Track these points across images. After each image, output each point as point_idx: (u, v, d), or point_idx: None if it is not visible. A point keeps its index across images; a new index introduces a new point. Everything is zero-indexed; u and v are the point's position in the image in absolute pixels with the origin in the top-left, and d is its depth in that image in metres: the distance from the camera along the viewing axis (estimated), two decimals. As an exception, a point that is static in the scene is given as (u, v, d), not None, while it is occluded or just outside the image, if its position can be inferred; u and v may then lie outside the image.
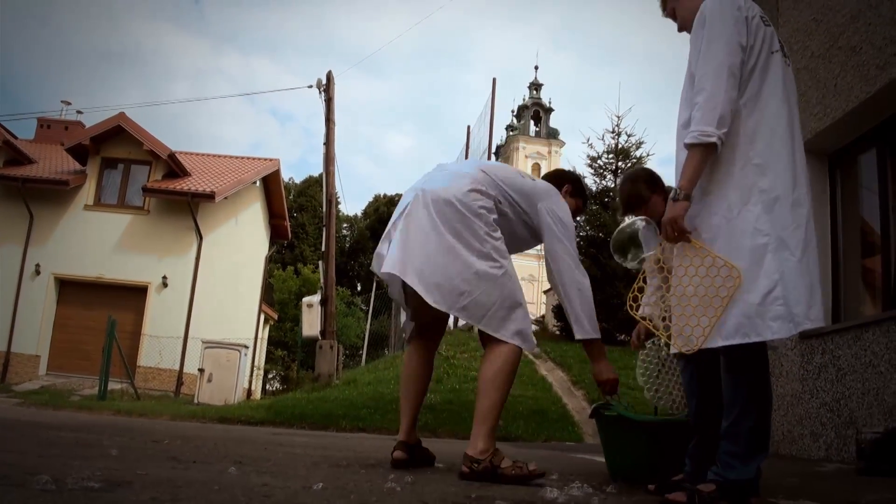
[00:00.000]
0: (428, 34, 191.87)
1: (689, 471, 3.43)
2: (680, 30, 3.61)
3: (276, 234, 33.94)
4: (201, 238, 24.86)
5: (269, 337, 39.66)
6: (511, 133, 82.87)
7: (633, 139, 24.30)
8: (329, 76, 21.94)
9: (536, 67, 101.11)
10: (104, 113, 58.28)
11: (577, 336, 4.14)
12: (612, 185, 23.73)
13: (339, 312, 37.43)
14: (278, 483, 2.98)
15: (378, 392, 14.60)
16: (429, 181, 4.10)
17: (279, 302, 46.27)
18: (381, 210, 68.68)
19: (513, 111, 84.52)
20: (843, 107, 7.11)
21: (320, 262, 21.63)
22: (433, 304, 3.82)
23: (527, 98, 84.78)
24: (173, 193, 24.67)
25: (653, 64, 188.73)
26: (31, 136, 31.39)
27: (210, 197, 24.36)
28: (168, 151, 25.26)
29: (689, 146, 3.06)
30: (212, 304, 25.41)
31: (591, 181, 24.07)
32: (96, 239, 24.55)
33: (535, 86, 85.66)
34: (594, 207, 23.18)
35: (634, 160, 23.66)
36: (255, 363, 30.25)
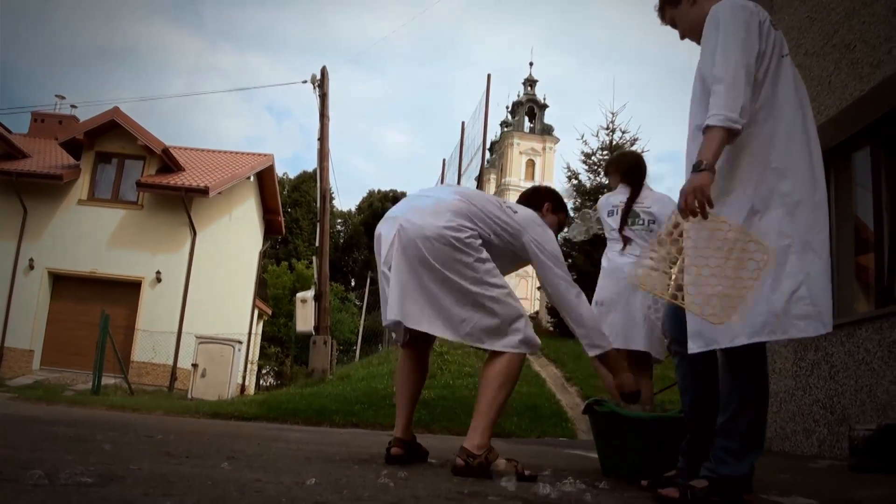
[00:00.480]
0: (423, 30, 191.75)
1: (683, 467, 3.43)
2: (682, 37, 3.60)
3: (270, 229, 33.89)
4: (195, 233, 24.82)
5: (263, 332, 39.67)
6: (506, 129, 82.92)
7: (627, 136, 24.34)
8: (323, 71, 21.93)
9: (531, 64, 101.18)
10: (98, 107, 58.36)
11: (591, 354, 4.13)
12: (607, 182, 23.71)
13: (333, 308, 37.41)
14: (271, 478, 2.98)
15: (372, 388, 14.58)
16: (410, 212, 4.09)
17: (273, 297, 46.29)
18: (376, 206, 68.67)
19: (507, 107, 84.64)
20: (837, 104, 7.12)
21: (314, 258, 21.65)
22: (440, 336, 3.94)
23: (521, 94, 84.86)
24: (167, 188, 24.61)
25: (647, 61, 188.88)
26: (25, 131, 31.28)
27: (204, 192, 24.32)
28: (162, 146, 25.20)
29: (712, 127, 3.00)
30: (206, 300, 25.38)
31: (585, 177, 24.12)
32: (90, 234, 24.49)
33: (530, 82, 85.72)
34: (588, 204, 23.16)
35: (629, 157, 23.65)
36: (249, 358, 30.25)
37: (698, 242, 3.11)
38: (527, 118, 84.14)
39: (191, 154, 28.74)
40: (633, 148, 23.43)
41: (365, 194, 78.43)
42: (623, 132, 24.19)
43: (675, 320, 3.46)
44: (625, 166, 6.19)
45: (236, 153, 30.87)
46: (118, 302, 23.57)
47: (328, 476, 3.19)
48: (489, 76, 23.97)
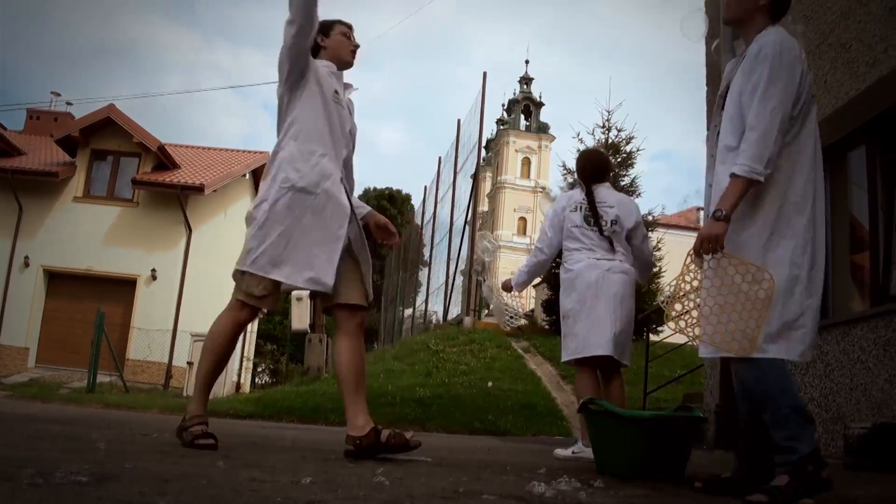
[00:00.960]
0: (418, 28, 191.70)
1: (737, 467, 3.52)
2: (727, 22, 3.67)
3: (265, 227, 33.79)
4: (190, 231, 24.83)
5: (259, 330, 39.56)
6: (501, 127, 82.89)
7: (623, 134, 24.25)
8: (319, 69, 21.89)
9: (527, 62, 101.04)
10: (94, 105, 58.19)
11: None
12: (602, 180, 23.72)
13: (329, 306, 37.29)
14: (266, 477, 2.98)
15: (367, 386, 14.55)
16: None
17: (269, 295, 46.16)
18: (371, 204, 68.21)
19: (503, 105, 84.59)
20: (832, 103, 7.12)
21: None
22: None
23: (517, 92, 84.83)
24: (163, 186, 24.63)
25: (644, 59, 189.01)
26: (21, 128, 31.23)
27: (199, 189, 24.33)
28: (158, 144, 25.20)
29: (737, 176, 3.20)
30: (201, 297, 25.34)
31: (581, 176, 24.06)
32: (85, 231, 24.49)
33: (526, 80, 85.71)
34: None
35: (625, 155, 23.64)
36: (245, 356, 30.21)
37: (714, 280, 3.27)
38: (523, 116, 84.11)
39: (186, 151, 28.72)
40: (629, 147, 23.40)
41: (360, 192, 78.36)
42: (619, 130, 24.14)
43: None
44: (579, 165, 6.31)
45: (232, 151, 30.85)
46: (113, 299, 23.57)
47: (323, 475, 3.19)
48: (485, 74, 23.99)
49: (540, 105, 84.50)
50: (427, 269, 31.06)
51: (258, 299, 4.26)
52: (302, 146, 4.26)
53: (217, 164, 27.71)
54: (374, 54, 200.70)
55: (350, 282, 4.30)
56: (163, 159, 25.41)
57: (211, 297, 26.36)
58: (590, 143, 23.65)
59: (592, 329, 5.59)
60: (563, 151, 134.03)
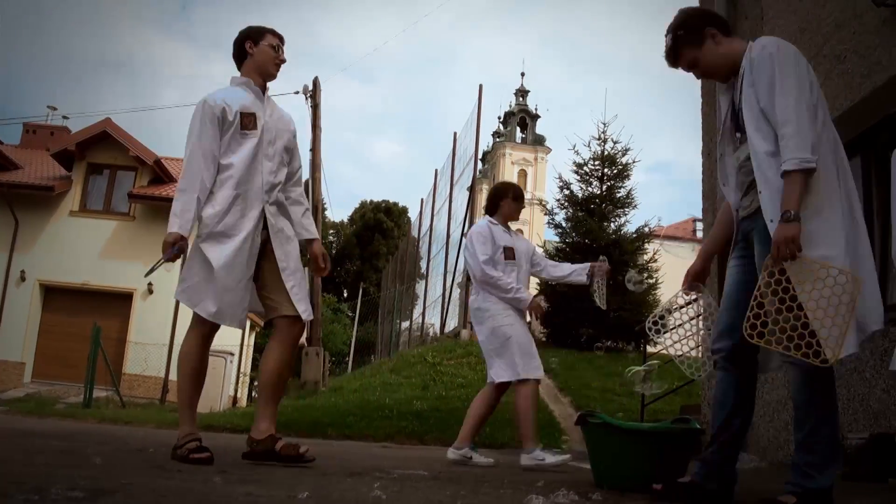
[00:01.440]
0: (415, 41, 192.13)
1: (701, 473, 3.51)
2: (705, 76, 3.71)
3: (262, 240, 33.82)
4: (187, 245, 24.75)
5: (256, 344, 39.51)
6: (497, 140, 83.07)
7: (619, 146, 24.28)
8: (315, 82, 21.96)
9: (523, 74, 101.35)
10: (90, 119, 58.26)
11: None
12: (598, 192, 23.74)
13: (325, 319, 37.42)
14: (263, 492, 2.97)
15: (364, 399, 14.55)
16: None
17: (265, 309, 46.13)
18: (368, 216, 68.48)
19: (499, 118, 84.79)
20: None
21: (306, 269, 21.61)
22: None
23: (513, 105, 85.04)
24: (159, 199, 24.58)
25: (638, 72, 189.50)
26: (17, 142, 31.24)
27: (196, 203, 24.26)
28: (154, 157, 25.20)
29: (791, 172, 3.19)
30: (197, 311, 25.28)
31: (577, 188, 24.09)
32: (82, 245, 24.45)
33: (522, 92, 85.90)
34: (580, 214, 23.18)
35: (620, 166, 23.66)
36: (241, 370, 30.17)
37: (796, 287, 3.19)
38: (518, 129, 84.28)
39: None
40: (625, 159, 23.44)
41: (357, 205, 78.30)
42: (615, 142, 24.18)
43: (728, 336, 3.56)
44: (487, 198, 6.67)
45: (228, 164, 30.82)
46: (110, 314, 23.53)
47: (321, 490, 3.18)
48: (481, 87, 24.04)
49: (536, 117, 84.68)
50: (424, 281, 31.04)
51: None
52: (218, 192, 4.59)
53: (213, 177, 27.67)
54: (370, 67, 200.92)
55: (285, 296, 4.64)
56: (159, 173, 25.40)
57: (207, 310, 26.35)
58: (586, 154, 23.71)
59: (532, 349, 6.32)
60: (559, 164, 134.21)
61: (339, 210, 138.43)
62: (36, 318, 24.36)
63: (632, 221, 27.08)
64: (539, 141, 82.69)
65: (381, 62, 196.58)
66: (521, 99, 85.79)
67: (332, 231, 71.81)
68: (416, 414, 12.11)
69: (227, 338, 26.59)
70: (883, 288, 6.84)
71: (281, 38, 4.85)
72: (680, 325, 4.21)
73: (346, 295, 62.12)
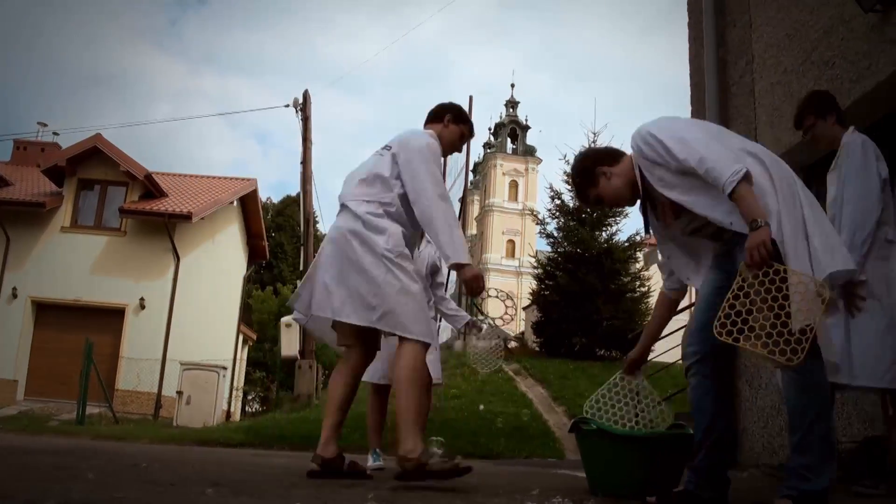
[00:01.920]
0: (405, 54, 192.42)
1: (694, 481, 3.54)
2: (613, 206, 4.04)
3: (254, 254, 33.84)
4: (179, 259, 24.76)
5: (249, 358, 39.49)
6: (488, 151, 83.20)
7: (609, 155, 24.34)
8: (305, 95, 21.95)
9: (513, 85, 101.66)
10: (81, 134, 58.12)
11: (450, 262, 4.33)
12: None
13: (319, 332, 37.21)
14: (256, 503, 2.96)
15: (357, 411, 14.43)
16: (332, 227, 4.65)
17: (258, 322, 46.09)
18: (360, 228, 68.43)
19: (490, 129, 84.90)
20: (816, 120, 7.14)
21: (299, 282, 21.58)
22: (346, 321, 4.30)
23: (503, 116, 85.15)
24: (150, 214, 24.57)
25: (627, 81, 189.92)
26: (7, 158, 31.24)
27: (187, 217, 24.27)
28: (145, 172, 25.16)
29: (733, 192, 3.31)
30: (190, 326, 25.27)
31: (568, 197, 24.11)
32: (73, 261, 24.39)
33: (512, 104, 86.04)
34: (572, 223, 23.20)
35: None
36: (235, 384, 30.10)
37: (766, 292, 3.27)
38: (509, 139, 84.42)
39: (174, 179, 28.69)
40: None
41: (350, 217, 78.17)
42: (605, 151, 24.20)
43: (700, 337, 3.62)
44: None
45: (219, 178, 30.85)
46: (102, 330, 23.42)
47: (314, 500, 3.17)
48: (471, 98, 24.09)
49: (526, 128, 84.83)
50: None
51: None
52: None
53: (204, 191, 27.68)
54: (360, 80, 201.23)
55: None
56: (150, 188, 25.36)
57: (199, 325, 26.33)
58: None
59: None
60: (549, 174, 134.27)
61: (330, 222, 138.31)
62: (28, 336, 24.26)
63: (623, 230, 27.09)
64: (530, 151, 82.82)
65: (371, 75, 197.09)
66: (511, 110, 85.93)
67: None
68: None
69: (221, 352, 26.57)
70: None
71: (472, 134, 5.17)
72: (619, 403, 4.35)
73: (338, 308, 61.93)
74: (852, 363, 4.48)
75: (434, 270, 6.33)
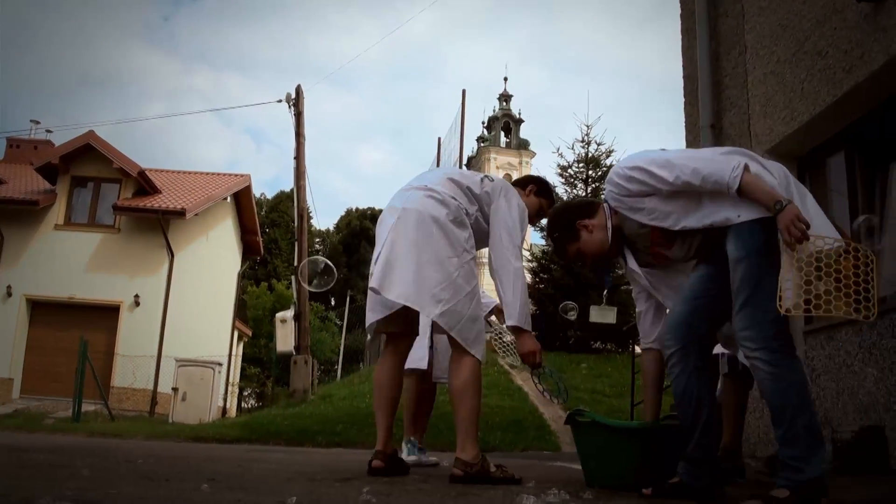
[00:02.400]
0: (398, 48, 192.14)
1: (686, 473, 3.55)
2: (595, 260, 3.93)
3: (248, 250, 33.82)
4: (173, 255, 24.73)
5: (244, 354, 39.47)
6: (482, 144, 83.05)
7: (602, 148, 24.41)
8: (298, 90, 21.94)
9: (506, 79, 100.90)
10: (74, 132, 57.98)
11: (508, 324, 4.30)
12: (583, 194, 23.78)
13: (314, 327, 37.34)
14: (251, 498, 2.95)
15: (354, 406, 14.54)
16: (408, 200, 4.36)
17: (253, 318, 46.11)
18: (354, 224, 68.59)
19: (483, 123, 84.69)
20: (810, 111, 7.15)
21: (293, 278, 21.56)
22: (415, 307, 4.16)
23: (497, 109, 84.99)
24: (144, 211, 24.54)
25: (620, 74, 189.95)
26: (0, 157, 31.16)
27: (181, 214, 24.25)
28: (138, 169, 25.12)
29: (739, 187, 3.31)
30: (185, 322, 25.25)
31: (562, 190, 24.17)
32: (67, 259, 24.35)
33: (505, 97, 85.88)
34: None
35: (605, 168, 23.75)
36: (230, 380, 30.08)
37: (816, 260, 3.25)
38: (503, 133, 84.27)
39: (167, 176, 28.65)
40: (608, 160, 23.55)
41: (343, 213, 78.37)
42: (598, 144, 24.27)
43: (682, 332, 3.62)
44: None
45: (213, 174, 30.79)
46: (97, 327, 23.40)
47: (309, 495, 3.16)
48: (464, 92, 24.10)
49: (519, 122, 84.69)
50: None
51: None
52: None
53: (198, 187, 27.64)
54: (353, 74, 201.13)
55: None
56: (143, 185, 25.32)
57: (194, 321, 26.30)
58: (570, 157, 23.78)
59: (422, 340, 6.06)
60: (543, 167, 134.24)
61: (324, 218, 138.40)
62: (23, 334, 24.22)
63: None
64: (523, 145, 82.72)
65: (364, 70, 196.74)
66: (504, 103, 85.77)
67: (318, 239, 71.77)
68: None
69: (216, 348, 26.54)
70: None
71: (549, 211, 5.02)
72: None
73: (333, 303, 62.06)
74: None
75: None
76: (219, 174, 30.90)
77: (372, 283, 4.24)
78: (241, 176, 30.72)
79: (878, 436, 5.62)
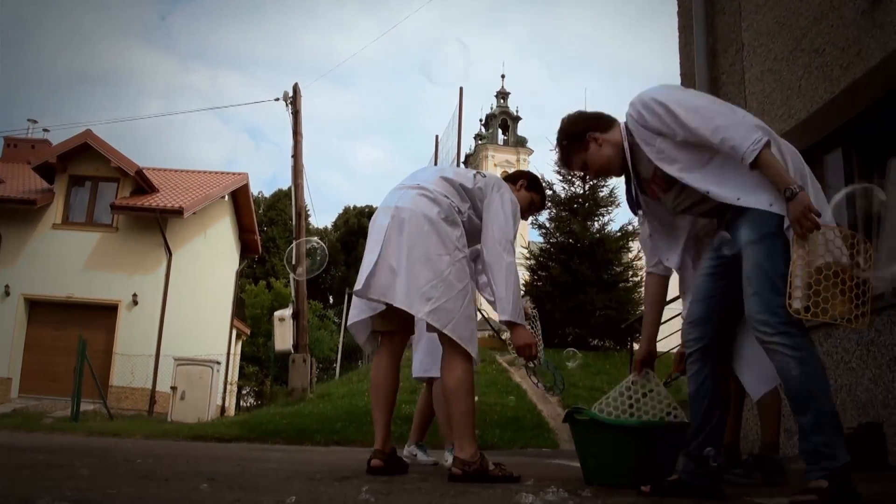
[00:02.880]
0: (394, 46, 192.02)
1: (688, 470, 3.54)
2: (599, 176, 3.91)
3: (246, 248, 33.80)
4: (171, 254, 24.71)
5: (242, 352, 39.44)
6: (480, 142, 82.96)
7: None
8: (295, 89, 21.91)
9: (503, 76, 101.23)
10: (72, 131, 57.90)
11: (501, 318, 4.38)
12: (581, 192, 23.81)
13: (312, 326, 37.31)
14: (250, 498, 2.95)
15: (352, 405, 14.53)
16: (401, 199, 4.38)
17: (251, 317, 46.04)
18: (352, 222, 68.50)
19: (481, 120, 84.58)
20: (807, 108, 7.16)
21: (291, 276, 21.54)
22: (402, 307, 4.16)
23: (494, 107, 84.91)
24: (142, 210, 24.52)
25: (617, 71, 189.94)
26: (-2, 156, 31.17)
27: (179, 212, 24.23)
28: (136, 168, 25.09)
29: (755, 161, 3.22)
30: (183, 321, 25.23)
31: (559, 188, 24.18)
32: (65, 258, 24.32)
33: (503, 95, 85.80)
34: (563, 214, 23.22)
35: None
36: (229, 379, 30.07)
37: (825, 255, 3.20)
38: (500, 130, 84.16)
39: (165, 175, 28.63)
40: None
41: (341, 211, 78.23)
42: (597, 141, 24.24)
43: (701, 326, 3.61)
44: None
45: (210, 173, 30.76)
46: (95, 326, 23.39)
47: (309, 494, 3.16)
48: (461, 89, 24.06)
49: (517, 119, 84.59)
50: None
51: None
52: None
53: (196, 186, 27.61)
54: (350, 72, 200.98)
55: None
56: (141, 183, 25.29)
57: (193, 320, 26.28)
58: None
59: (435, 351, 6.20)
60: (541, 164, 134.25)
61: (322, 216, 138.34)
62: (21, 333, 24.19)
63: (615, 220, 27.17)
64: (521, 142, 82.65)
65: (361, 68, 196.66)
66: (502, 101, 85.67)
67: (315, 237, 71.67)
68: (406, 418, 12.08)
69: (214, 347, 26.53)
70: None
71: (542, 207, 5.30)
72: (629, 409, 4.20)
73: (331, 301, 62.05)
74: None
75: (476, 256, 6.29)
76: (216, 173, 30.87)
77: (357, 286, 4.27)
78: (239, 174, 30.69)
79: (876, 432, 5.62)
